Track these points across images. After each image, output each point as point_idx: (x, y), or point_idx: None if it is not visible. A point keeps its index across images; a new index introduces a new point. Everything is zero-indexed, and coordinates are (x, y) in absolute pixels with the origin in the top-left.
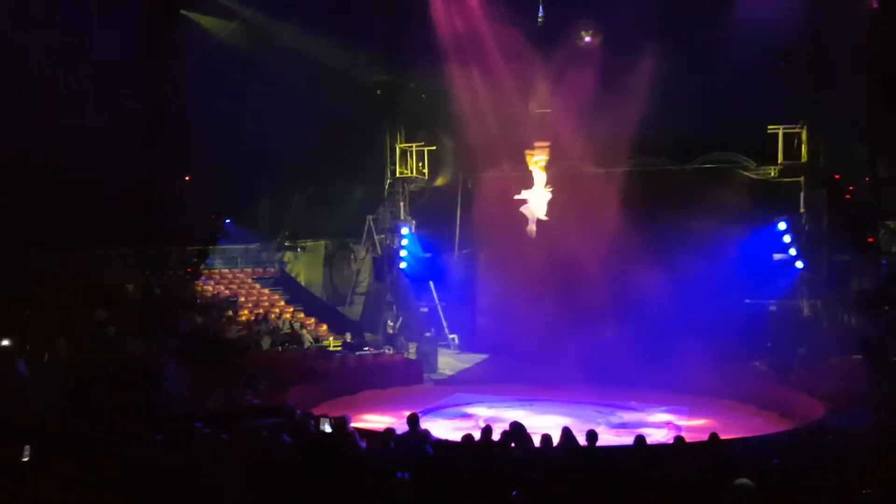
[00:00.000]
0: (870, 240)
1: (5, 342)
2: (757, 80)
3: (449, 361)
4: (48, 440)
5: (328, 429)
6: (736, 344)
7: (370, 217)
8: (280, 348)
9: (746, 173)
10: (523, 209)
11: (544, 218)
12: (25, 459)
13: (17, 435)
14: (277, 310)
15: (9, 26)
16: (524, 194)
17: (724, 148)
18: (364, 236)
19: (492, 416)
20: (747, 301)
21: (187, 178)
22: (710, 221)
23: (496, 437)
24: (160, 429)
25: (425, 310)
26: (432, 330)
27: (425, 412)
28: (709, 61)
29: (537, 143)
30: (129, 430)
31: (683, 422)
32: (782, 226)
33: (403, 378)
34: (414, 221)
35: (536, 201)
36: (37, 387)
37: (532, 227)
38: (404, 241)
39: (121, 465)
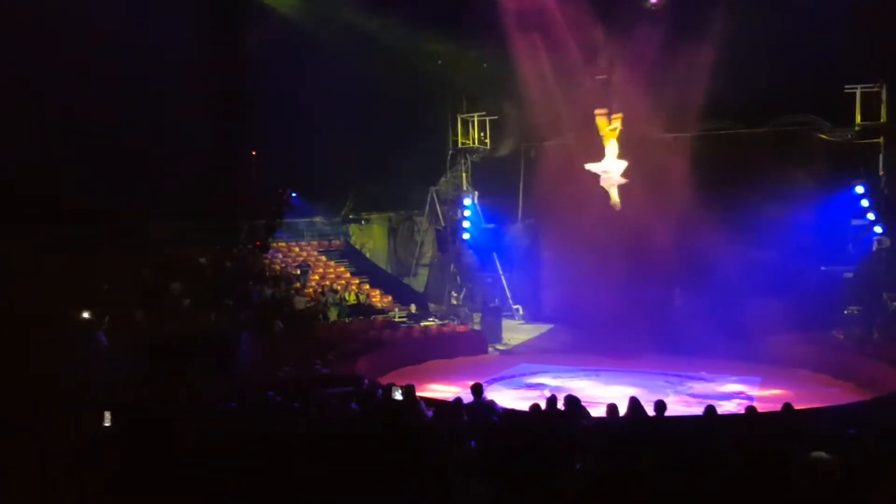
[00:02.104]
0: None
1: (86, 314)
2: (833, 37)
3: (514, 331)
4: (128, 407)
5: (399, 396)
6: (811, 312)
7: (433, 188)
8: (347, 319)
9: (822, 135)
10: (602, 183)
11: (623, 181)
12: (107, 425)
13: (98, 402)
14: (343, 282)
15: (80, 6)
16: (597, 167)
17: (799, 110)
18: (427, 208)
19: (557, 385)
20: (823, 268)
21: (254, 154)
22: (783, 186)
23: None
24: (235, 397)
25: (489, 280)
26: (496, 300)
27: (490, 382)
28: (782, 19)
29: (613, 116)
30: (206, 397)
31: (756, 392)
32: (860, 189)
33: (468, 348)
34: (476, 192)
35: (612, 171)
36: (117, 357)
37: (615, 200)
38: (467, 212)
39: (198, 431)
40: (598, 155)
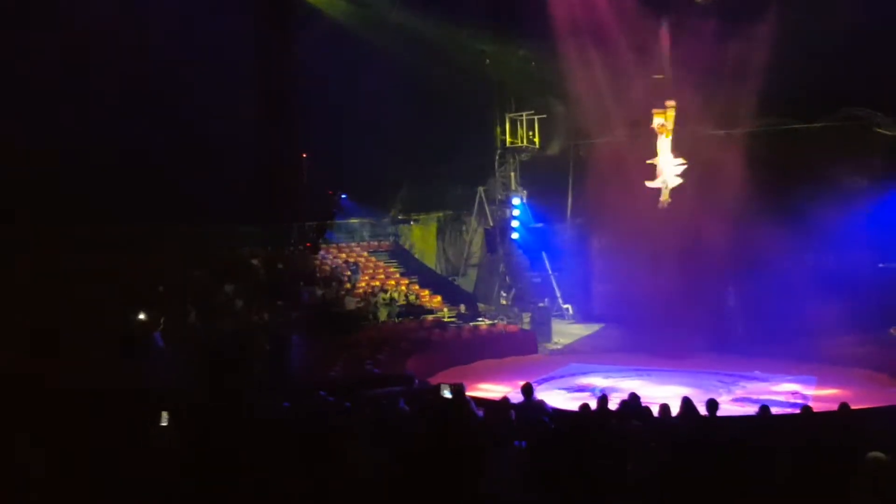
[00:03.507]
0: None
1: (142, 316)
2: (888, 29)
3: (564, 331)
4: (184, 407)
5: (448, 394)
6: (869, 310)
7: (481, 188)
8: (397, 319)
9: (879, 130)
10: (651, 184)
11: (677, 183)
12: (164, 424)
13: (155, 402)
14: (393, 282)
15: (132, 15)
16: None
17: (854, 103)
18: (475, 208)
19: (608, 385)
20: (881, 265)
21: (304, 156)
22: (839, 182)
23: (613, 406)
24: (287, 396)
25: (538, 280)
26: (546, 300)
27: (541, 382)
28: (835, 9)
29: (667, 103)
30: (259, 396)
31: (811, 391)
32: None
33: (518, 348)
34: (525, 191)
35: (666, 170)
36: (173, 357)
37: (665, 198)
38: (516, 212)
39: (251, 429)
40: (650, 152)
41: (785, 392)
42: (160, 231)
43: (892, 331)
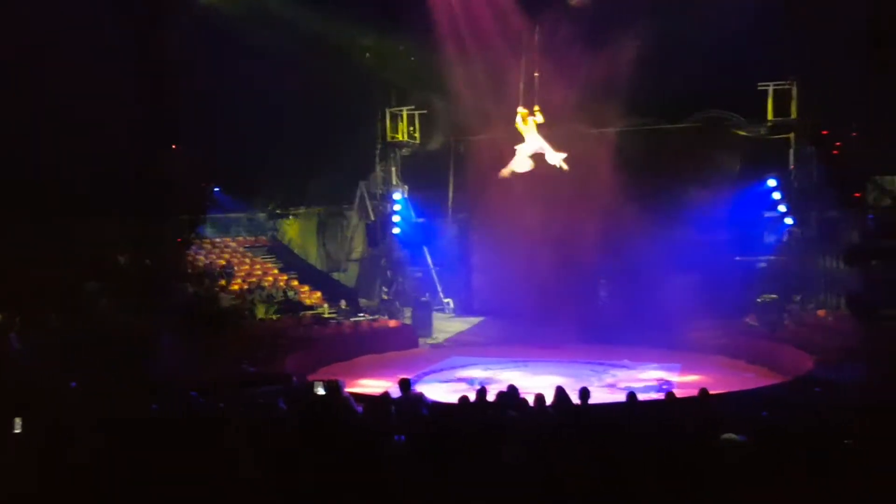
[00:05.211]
0: (856, 195)
1: None
2: (747, 36)
3: (444, 325)
4: (41, 413)
5: (321, 391)
6: (727, 301)
7: (362, 183)
8: (275, 316)
9: (737, 131)
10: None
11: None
12: (17, 432)
13: (9, 408)
14: (271, 278)
15: None
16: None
17: (715, 106)
18: (356, 202)
19: (487, 377)
20: (738, 258)
21: (174, 147)
22: (701, 180)
23: (491, 398)
24: (155, 399)
25: (419, 275)
26: (427, 294)
27: (421, 376)
28: (699, 18)
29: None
30: (124, 401)
31: (675, 378)
32: (772, 183)
33: (399, 343)
34: (406, 186)
35: (521, 160)
36: (29, 360)
37: (506, 171)
38: (397, 207)
39: (115, 435)
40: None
41: (651, 379)
42: (17, 226)
43: (748, 320)
